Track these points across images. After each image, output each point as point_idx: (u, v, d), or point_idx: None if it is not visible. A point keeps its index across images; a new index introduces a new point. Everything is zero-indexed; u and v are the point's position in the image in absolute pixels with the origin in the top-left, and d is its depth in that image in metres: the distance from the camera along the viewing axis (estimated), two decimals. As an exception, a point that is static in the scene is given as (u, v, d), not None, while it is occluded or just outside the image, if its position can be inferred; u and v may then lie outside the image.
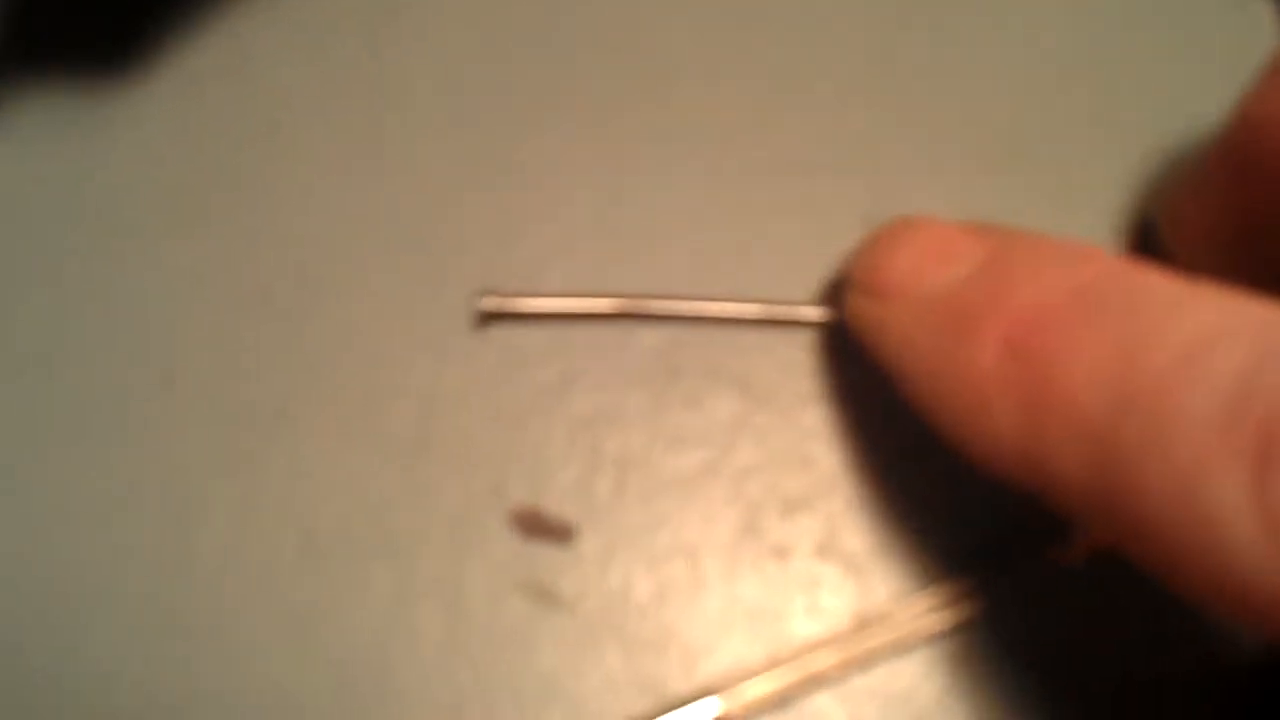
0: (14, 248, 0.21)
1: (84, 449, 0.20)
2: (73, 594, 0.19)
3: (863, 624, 0.19)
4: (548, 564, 0.20)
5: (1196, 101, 0.21)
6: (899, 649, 0.19)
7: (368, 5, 0.23)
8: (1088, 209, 0.21)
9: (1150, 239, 0.20)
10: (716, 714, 0.18)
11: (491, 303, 0.20)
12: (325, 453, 0.20)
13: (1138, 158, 0.22)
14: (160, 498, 0.20)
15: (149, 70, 0.22)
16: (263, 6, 0.23)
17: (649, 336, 0.21)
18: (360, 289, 0.21)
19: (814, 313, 0.20)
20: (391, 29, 0.23)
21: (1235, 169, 0.18)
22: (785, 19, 0.23)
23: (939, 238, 0.18)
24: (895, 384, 0.17)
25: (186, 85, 0.22)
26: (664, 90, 0.22)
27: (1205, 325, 0.14)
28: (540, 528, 0.20)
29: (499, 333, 0.21)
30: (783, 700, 0.19)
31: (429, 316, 0.21)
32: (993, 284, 0.16)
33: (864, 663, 0.19)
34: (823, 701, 0.19)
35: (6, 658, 0.19)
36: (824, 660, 0.19)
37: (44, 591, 0.19)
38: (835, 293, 0.20)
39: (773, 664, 0.19)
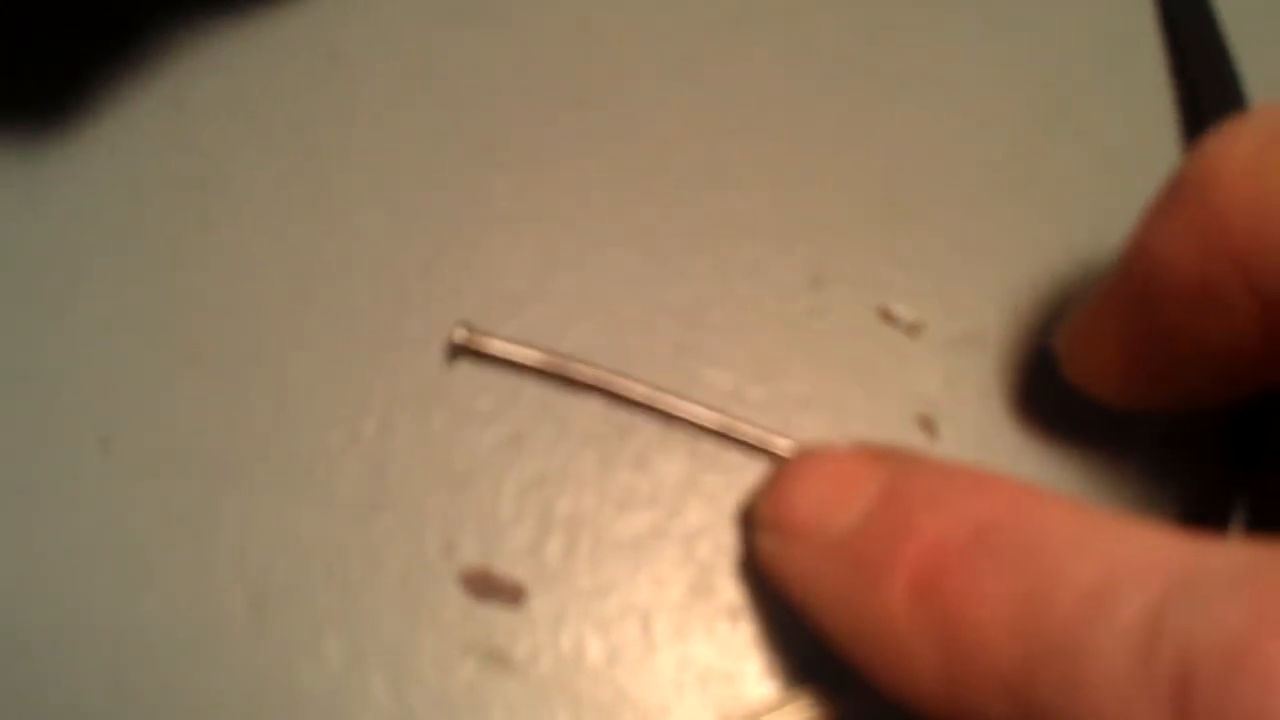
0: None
1: (22, 512, 0.20)
2: (17, 661, 0.19)
3: (810, 685, 0.19)
4: (499, 626, 0.19)
5: (1097, 230, 0.22)
6: (844, 713, 0.19)
7: (308, 54, 0.23)
8: (1033, 295, 0.22)
9: (1050, 367, 0.20)
10: (667, 778, 0.18)
11: (462, 335, 0.20)
12: (273, 513, 0.20)
13: (1080, 249, 0.22)
14: (104, 562, 0.20)
15: (85, 123, 0.23)
16: (200, 58, 0.23)
17: (597, 398, 0.21)
18: (306, 346, 0.21)
19: (783, 444, 0.20)
20: (332, 80, 0.23)
21: (1132, 299, 0.18)
22: (735, 80, 0.23)
23: (837, 472, 0.18)
24: (809, 625, 0.17)
25: (123, 138, 0.23)
26: (614, 148, 0.23)
27: (1107, 565, 0.14)
28: (491, 589, 0.20)
29: (450, 391, 0.21)
30: (735, 763, 0.19)
31: (378, 375, 0.21)
32: (892, 522, 0.16)
33: (815, 724, 0.19)
34: (774, 764, 0.19)
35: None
36: (775, 722, 0.19)
37: (-15, 656, 0.19)
38: (749, 516, 0.20)
39: (723, 726, 0.19)
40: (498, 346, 0.20)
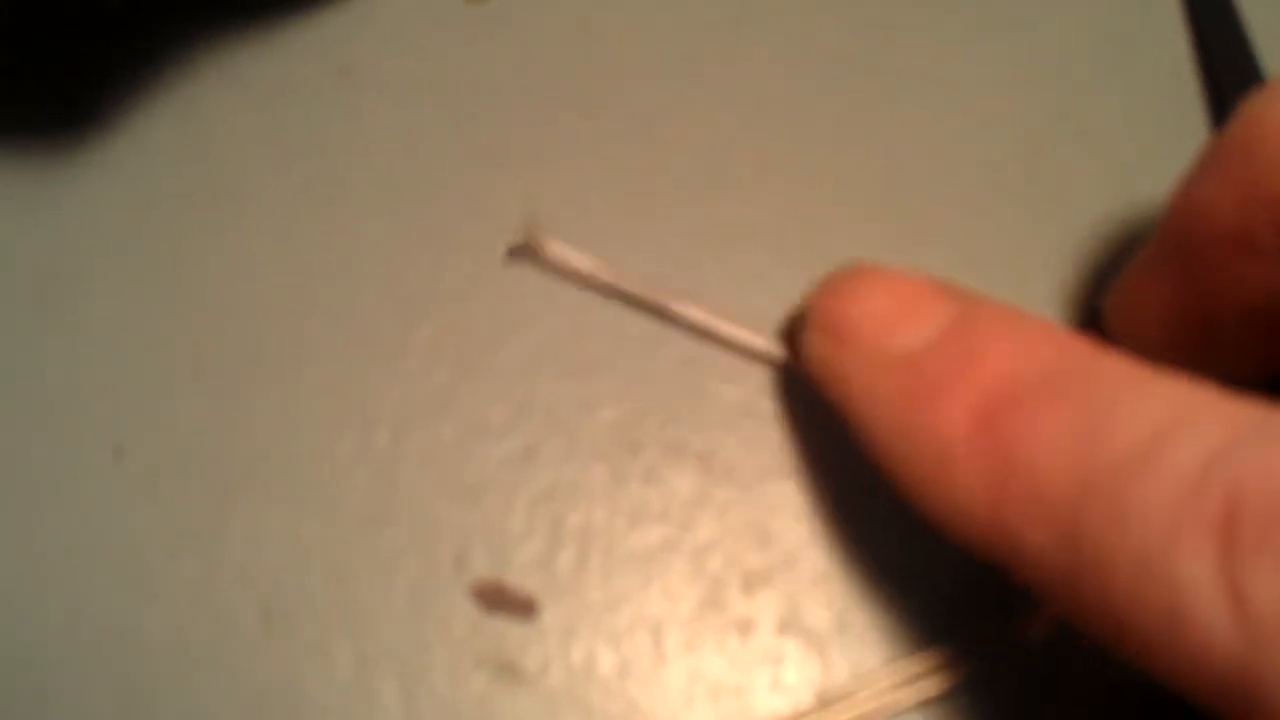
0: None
1: (36, 520, 0.20)
2: (29, 665, 0.19)
3: (826, 700, 0.19)
4: (510, 638, 0.20)
5: (1140, 192, 0.22)
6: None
7: (318, 67, 0.23)
8: (1035, 295, 0.22)
9: (1096, 328, 0.21)
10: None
11: (526, 236, 0.21)
12: (283, 523, 0.20)
13: (1082, 247, 0.22)
14: (116, 569, 0.20)
15: (102, 136, 0.23)
16: (212, 72, 0.23)
17: (608, 410, 0.21)
18: (317, 356, 0.21)
19: (772, 348, 0.20)
20: (341, 93, 0.23)
21: (1173, 258, 0.18)
22: (735, 80, 0.23)
23: (906, 291, 0.18)
24: (853, 433, 0.18)
25: (138, 150, 0.23)
26: (614, 151, 0.23)
27: (1165, 414, 0.14)
28: (502, 601, 0.20)
29: (461, 403, 0.21)
30: (745, 776, 0.19)
31: (389, 386, 0.21)
32: (962, 352, 0.17)
33: (825, 737, 0.19)
34: (785, 778, 0.19)
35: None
36: (785, 735, 0.19)
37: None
38: (790, 331, 0.20)
39: (734, 739, 0.19)
40: (557, 251, 0.21)
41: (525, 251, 0.21)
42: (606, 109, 0.23)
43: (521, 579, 0.20)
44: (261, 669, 0.19)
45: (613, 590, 0.20)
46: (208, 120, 0.23)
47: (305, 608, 0.19)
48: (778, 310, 0.21)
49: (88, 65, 0.23)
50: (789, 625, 0.20)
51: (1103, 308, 0.20)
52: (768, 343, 0.21)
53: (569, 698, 0.19)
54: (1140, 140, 0.23)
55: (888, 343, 0.17)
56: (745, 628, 0.20)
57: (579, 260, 0.21)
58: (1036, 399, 0.15)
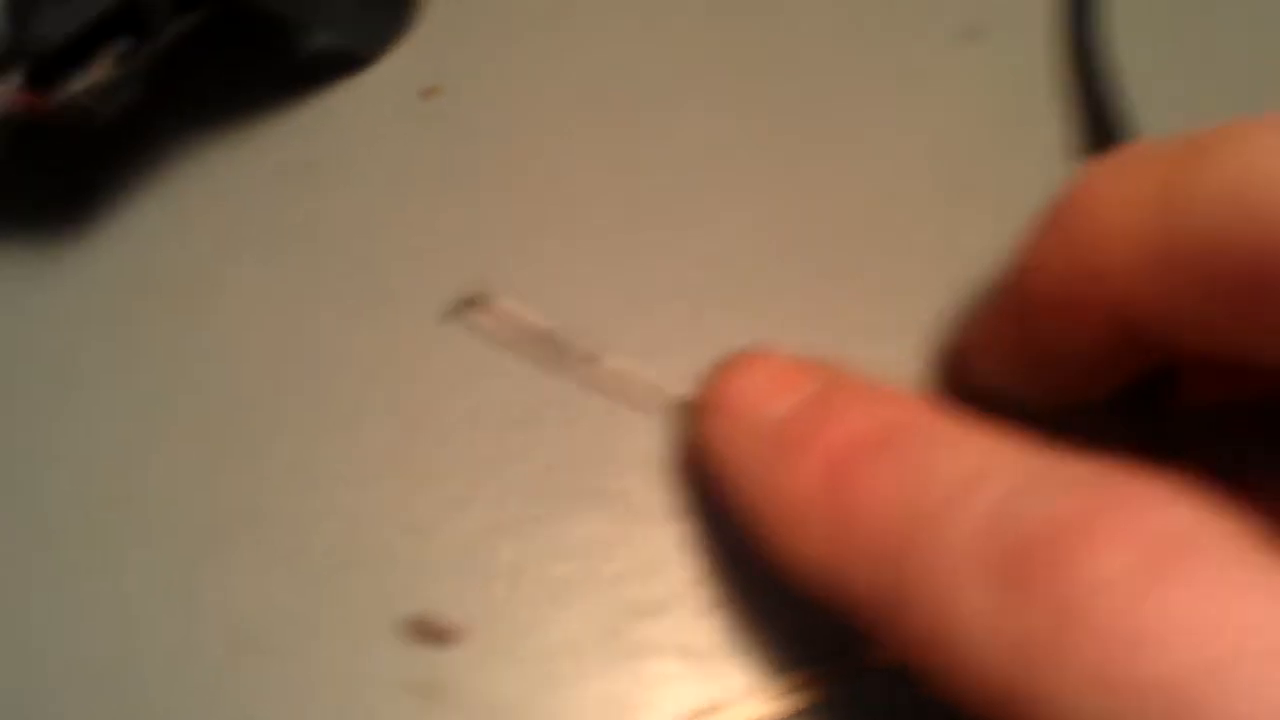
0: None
1: (29, 574, 0.23)
2: (19, 698, 0.22)
3: (714, 712, 0.22)
4: (436, 663, 0.22)
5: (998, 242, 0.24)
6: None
7: (285, 162, 0.26)
8: (908, 337, 0.25)
9: (961, 366, 0.23)
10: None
11: (466, 296, 0.24)
12: (251, 569, 0.23)
13: (951, 292, 0.25)
14: (100, 615, 0.22)
15: (93, 227, 0.25)
16: (192, 167, 0.26)
17: (532, 456, 0.23)
18: (282, 417, 0.24)
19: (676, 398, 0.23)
20: (305, 184, 0.26)
21: (1013, 309, 0.21)
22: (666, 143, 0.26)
23: (777, 369, 0.21)
24: (727, 496, 0.20)
25: (124, 239, 0.25)
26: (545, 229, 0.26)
27: (971, 465, 0.16)
28: (430, 631, 0.22)
29: (409, 458, 0.23)
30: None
31: (344, 446, 0.24)
32: (816, 417, 0.19)
33: (720, 750, 0.22)
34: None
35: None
36: (684, 746, 0.22)
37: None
38: (688, 413, 0.23)
39: (640, 751, 0.22)
40: (497, 310, 0.24)
41: (464, 312, 0.24)
42: (540, 185, 0.26)
43: (448, 609, 0.22)
44: (228, 690, 0.22)
45: (530, 619, 0.22)
46: (186, 211, 0.25)
47: (267, 639, 0.22)
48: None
49: (77, 163, 0.26)
50: (685, 649, 0.22)
51: (961, 347, 0.23)
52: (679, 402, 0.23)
53: (489, 717, 0.22)
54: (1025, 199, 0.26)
55: (758, 413, 0.20)
56: (647, 652, 0.22)
57: (511, 319, 0.24)
58: (872, 456, 0.18)
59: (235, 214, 0.26)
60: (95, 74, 0.21)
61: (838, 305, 0.25)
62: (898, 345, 0.25)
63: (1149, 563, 0.14)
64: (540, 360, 0.24)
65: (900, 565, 0.16)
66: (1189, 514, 0.15)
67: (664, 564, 0.23)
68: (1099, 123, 0.27)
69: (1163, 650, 0.14)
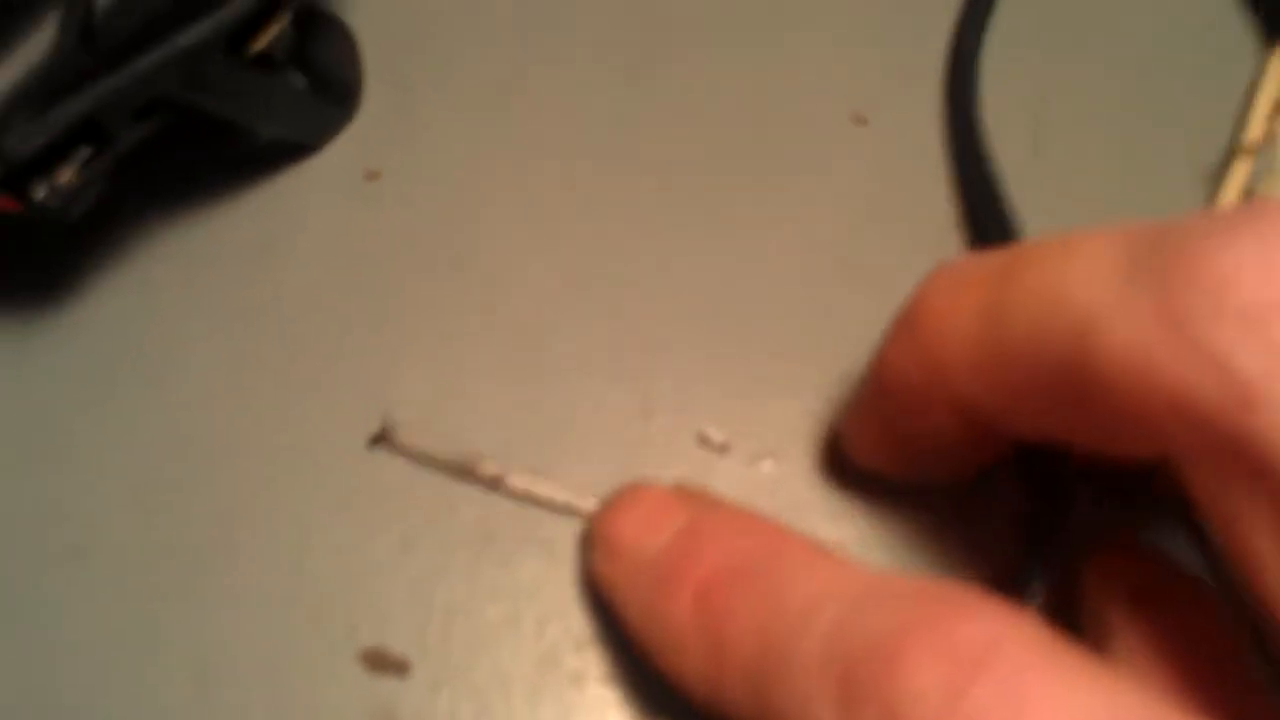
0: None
1: (8, 612, 0.25)
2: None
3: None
4: (389, 692, 0.24)
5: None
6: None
7: (246, 240, 0.29)
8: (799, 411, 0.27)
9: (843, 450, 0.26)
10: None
11: (383, 428, 0.26)
12: (215, 606, 0.25)
13: (833, 377, 0.27)
14: (74, 655, 0.25)
15: (65, 307, 0.28)
16: (163, 246, 0.28)
17: (470, 509, 0.26)
18: (244, 477, 0.26)
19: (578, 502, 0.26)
20: (265, 262, 0.28)
21: (876, 402, 0.23)
22: (580, 241, 0.29)
23: (655, 505, 0.23)
24: (621, 628, 0.22)
25: (99, 315, 0.28)
26: (483, 300, 0.28)
27: (816, 586, 0.19)
28: (384, 663, 0.25)
29: (356, 505, 0.26)
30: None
31: (303, 500, 0.26)
32: (686, 550, 0.21)
33: (639, 767, 0.24)
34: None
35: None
36: (608, 766, 0.24)
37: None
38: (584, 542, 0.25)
39: (566, 769, 0.24)
40: (406, 437, 0.26)
41: (381, 441, 0.26)
42: (475, 265, 0.29)
43: (399, 644, 0.25)
44: (191, 721, 0.24)
45: (471, 652, 0.25)
46: (151, 290, 0.28)
47: (228, 673, 0.25)
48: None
49: (48, 250, 0.28)
50: (611, 678, 0.25)
51: (840, 434, 0.26)
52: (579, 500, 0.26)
53: None
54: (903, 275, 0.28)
55: (640, 548, 0.22)
56: (577, 680, 0.25)
57: (425, 447, 0.26)
58: (735, 584, 0.20)
59: (196, 292, 0.28)
60: (62, 178, 0.24)
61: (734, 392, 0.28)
62: (788, 422, 0.27)
63: (955, 672, 0.16)
64: (454, 478, 0.26)
65: (764, 685, 0.18)
66: (990, 623, 0.17)
67: (591, 602, 0.25)
68: (976, 203, 0.29)
69: None
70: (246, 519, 0.26)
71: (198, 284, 0.28)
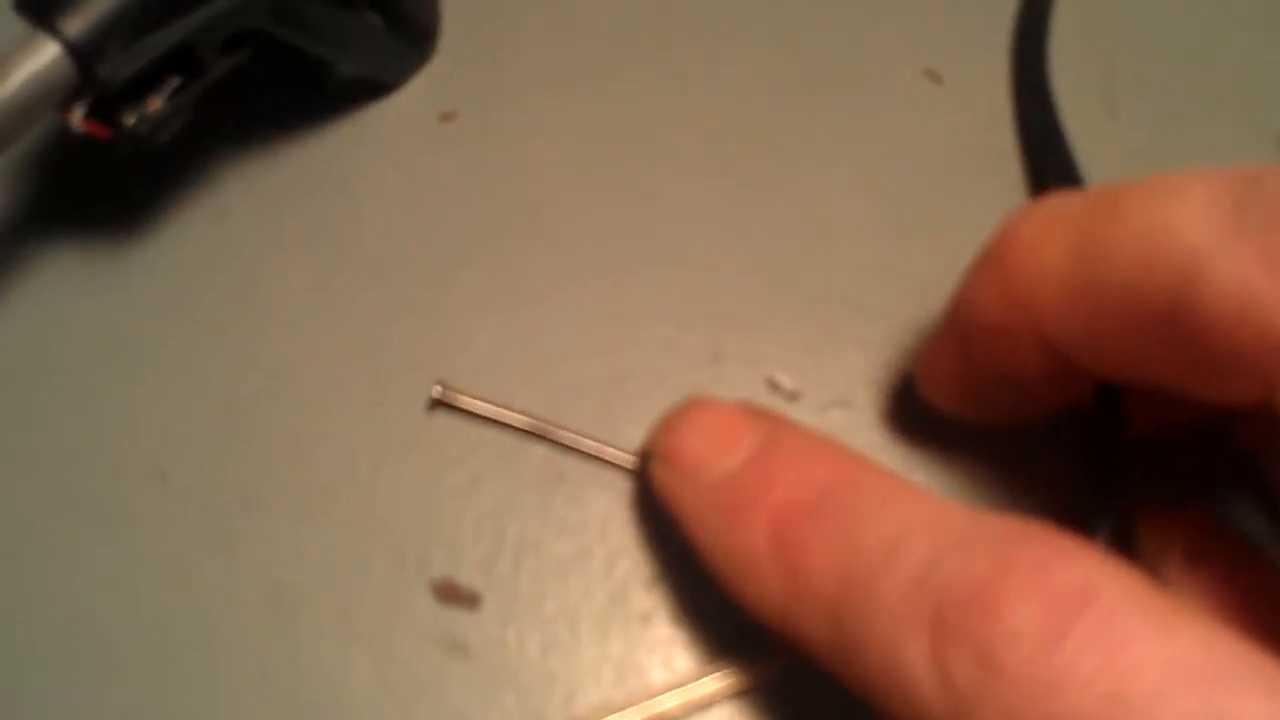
0: (45, 370, 0.27)
1: (91, 529, 0.25)
2: (87, 643, 0.25)
3: (704, 675, 0.24)
4: (459, 624, 0.25)
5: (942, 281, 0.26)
6: (729, 696, 0.24)
7: (323, 176, 0.29)
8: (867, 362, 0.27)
9: (917, 392, 0.25)
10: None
11: (439, 391, 0.26)
12: (286, 532, 0.25)
13: (901, 329, 0.27)
14: (153, 570, 0.25)
15: (152, 231, 0.28)
16: (239, 180, 0.29)
17: (540, 449, 0.26)
18: (316, 403, 0.27)
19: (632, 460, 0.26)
20: (340, 197, 0.29)
21: (955, 339, 0.23)
22: (649, 186, 0.29)
23: (722, 422, 0.22)
24: (688, 543, 0.22)
25: (180, 246, 0.28)
26: (553, 245, 0.28)
27: (898, 527, 0.18)
28: (454, 595, 0.25)
29: (427, 440, 0.26)
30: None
31: (371, 427, 0.26)
32: (758, 478, 0.21)
33: (704, 705, 0.24)
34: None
35: (9, 699, 0.24)
36: (673, 702, 0.24)
37: (51, 641, 0.25)
38: (644, 456, 0.25)
39: (632, 703, 0.24)
40: (465, 402, 0.26)
41: (441, 404, 0.26)
42: (547, 209, 0.29)
43: (469, 577, 0.25)
44: (265, 642, 0.24)
45: (540, 587, 0.25)
46: (233, 219, 0.28)
47: (301, 597, 0.25)
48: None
49: (136, 179, 0.29)
50: (679, 618, 0.25)
51: (915, 375, 0.25)
52: (632, 460, 0.26)
53: (504, 671, 0.24)
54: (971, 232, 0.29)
55: (706, 470, 0.22)
56: (645, 618, 0.25)
57: (484, 409, 0.26)
58: (812, 516, 0.20)
59: (273, 224, 0.28)
60: (151, 107, 0.24)
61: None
62: (858, 372, 0.27)
63: (1053, 615, 0.16)
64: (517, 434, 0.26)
65: (842, 618, 0.18)
66: (1088, 567, 0.17)
67: (660, 539, 0.25)
68: (1043, 161, 0.29)
69: (1067, 693, 0.16)
70: (320, 448, 0.26)
71: (275, 217, 0.28)
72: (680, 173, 0.29)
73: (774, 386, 0.27)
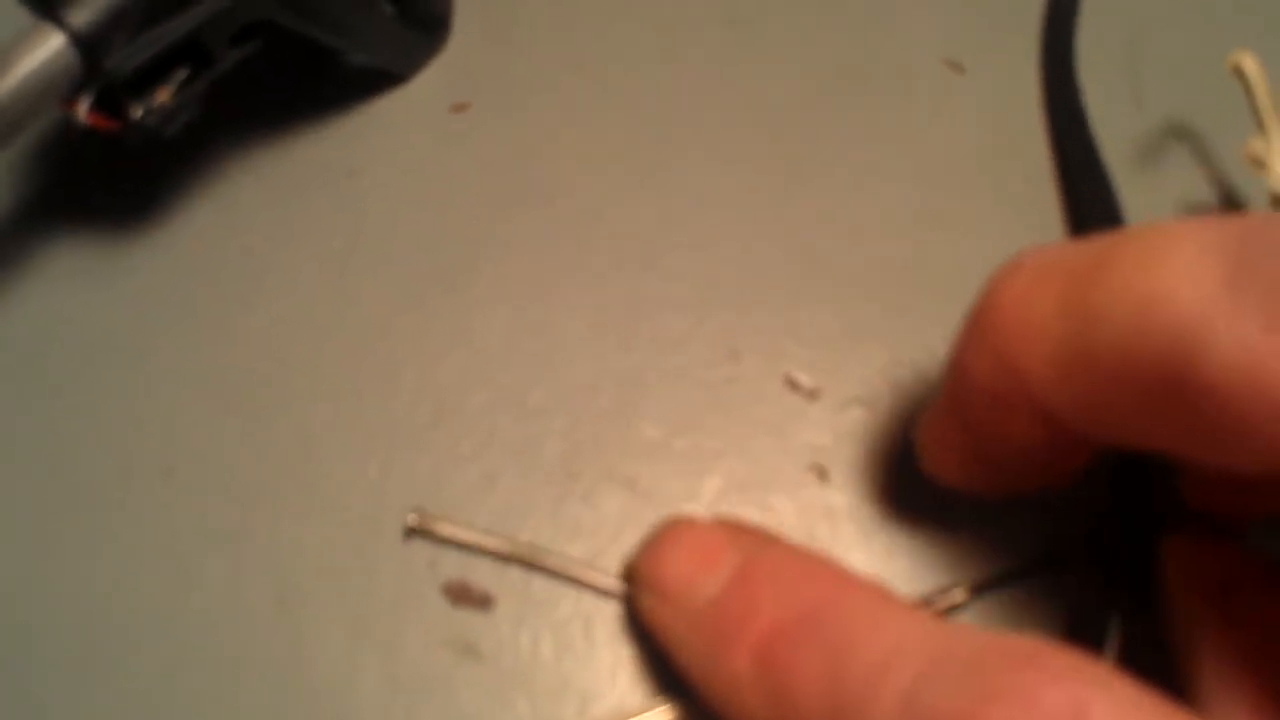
0: (50, 365, 0.27)
1: (97, 527, 0.25)
2: (89, 645, 0.24)
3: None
4: (471, 626, 0.24)
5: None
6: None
7: (330, 168, 0.28)
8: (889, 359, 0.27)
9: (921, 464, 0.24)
10: (597, 747, 0.23)
11: (414, 520, 0.25)
12: (297, 531, 0.25)
13: (924, 326, 0.27)
14: (161, 567, 0.25)
15: (160, 220, 0.28)
16: (246, 169, 0.28)
17: (555, 445, 0.26)
18: (325, 400, 0.26)
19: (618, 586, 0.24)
20: (348, 189, 0.28)
21: (953, 409, 0.22)
22: (666, 179, 0.29)
23: (702, 544, 0.22)
24: (675, 670, 0.22)
25: (187, 232, 0.28)
26: (569, 239, 0.28)
27: (887, 646, 0.18)
28: (466, 596, 0.25)
29: (438, 437, 0.26)
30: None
31: (384, 422, 0.26)
32: (742, 601, 0.20)
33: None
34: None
35: (18, 698, 0.23)
36: (688, 705, 0.24)
37: (58, 641, 0.24)
38: (627, 577, 0.24)
39: (648, 707, 0.24)
40: (443, 528, 0.25)
41: (416, 533, 0.25)
42: (562, 204, 0.28)
43: (481, 579, 0.25)
44: (275, 643, 0.24)
45: (553, 589, 0.25)
46: (241, 210, 0.28)
47: (311, 597, 0.24)
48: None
49: (144, 169, 0.28)
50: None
51: (918, 447, 0.24)
52: (617, 585, 0.24)
53: (517, 675, 0.24)
54: (996, 223, 0.28)
55: (689, 596, 0.21)
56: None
57: (464, 535, 0.25)
58: (796, 641, 0.19)
59: (282, 216, 0.28)
60: (158, 99, 0.24)
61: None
62: (879, 370, 0.27)
63: None
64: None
65: None
66: (1077, 686, 0.16)
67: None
68: (1070, 155, 0.29)
69: None
70: (330, 443, 0.26)
71: (284, 210, 0.28)
72: (697, 165, 0.29)
73: (792, 385, 0.26)
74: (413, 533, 0.25)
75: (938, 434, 0.23)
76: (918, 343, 0.27)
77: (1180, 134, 0.29)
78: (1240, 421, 0.16)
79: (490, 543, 0.25)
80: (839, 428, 0.26)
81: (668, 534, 0.23)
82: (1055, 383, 0.19)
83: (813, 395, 0.26)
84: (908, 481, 0.25)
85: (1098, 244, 0.19)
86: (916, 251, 0.28)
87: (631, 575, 0.24)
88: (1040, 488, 0.23)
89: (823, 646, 0.19)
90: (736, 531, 0.22)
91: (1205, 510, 0.23)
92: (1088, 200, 0.28)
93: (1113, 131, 0.29)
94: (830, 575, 0.20)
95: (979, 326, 0.20)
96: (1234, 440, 0.17)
